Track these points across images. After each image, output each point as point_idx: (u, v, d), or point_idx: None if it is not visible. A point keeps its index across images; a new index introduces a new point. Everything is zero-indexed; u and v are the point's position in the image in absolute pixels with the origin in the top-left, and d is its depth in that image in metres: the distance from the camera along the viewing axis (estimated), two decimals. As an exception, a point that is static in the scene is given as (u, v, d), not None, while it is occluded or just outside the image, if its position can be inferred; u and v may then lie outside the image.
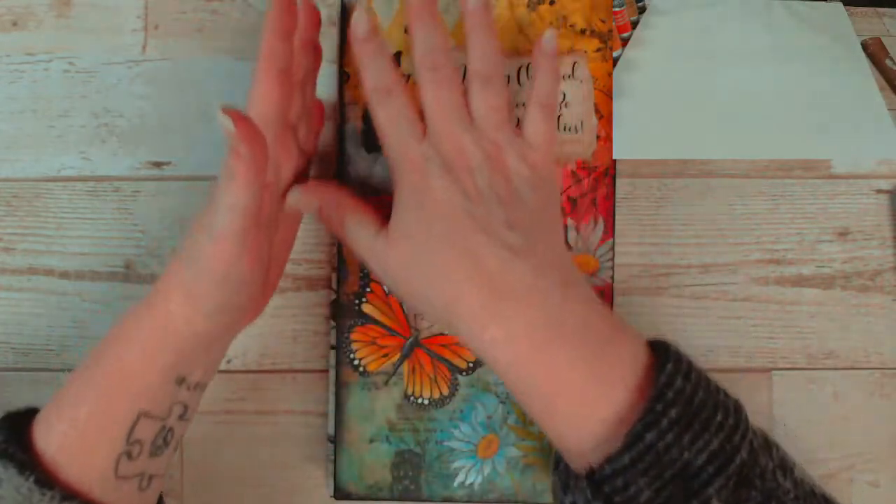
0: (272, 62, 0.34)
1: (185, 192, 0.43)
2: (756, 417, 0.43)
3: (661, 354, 0.33)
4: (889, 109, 0.42)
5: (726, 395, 0.33)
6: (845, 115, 0.42)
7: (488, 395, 0.41)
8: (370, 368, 0.41)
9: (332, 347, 0.41)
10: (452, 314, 0.34)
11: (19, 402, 0.43)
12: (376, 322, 0.41)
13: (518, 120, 0.40)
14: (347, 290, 0.41)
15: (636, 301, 0.43)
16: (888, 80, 0.43)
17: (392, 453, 0.41)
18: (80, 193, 0.43)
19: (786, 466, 0.33)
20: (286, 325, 0.43)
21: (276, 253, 0.37)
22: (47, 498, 0.31)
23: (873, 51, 0.44)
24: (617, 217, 0.41)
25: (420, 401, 0.41)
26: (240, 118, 0.31)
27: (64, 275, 0.43)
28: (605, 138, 0.41)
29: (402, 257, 0.34)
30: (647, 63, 0.42)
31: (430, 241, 0.34)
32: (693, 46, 0.43)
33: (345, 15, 0.41)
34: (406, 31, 0.39)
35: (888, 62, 0.43)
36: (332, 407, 0.41)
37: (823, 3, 0.44)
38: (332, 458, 0.41)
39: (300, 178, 0.37)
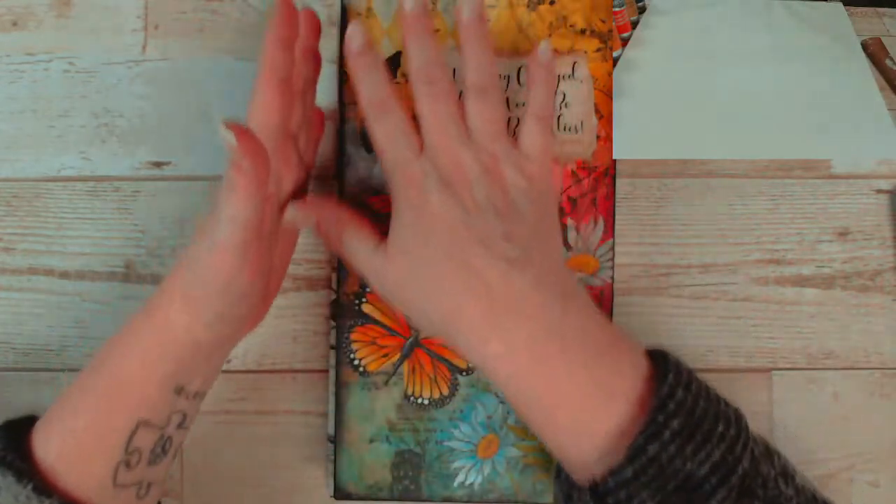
0: (274, 72, 0.34)
1: (185, 192, 0.43)
2: (756, 417, 0.43)
3: (661, 364, 0.33)
4: (889, 109, 0.42)
5: (726, 403, 0.33)
6: (845, 115, 0.42)
7: (488, 395, 0.41)
8: (370, 368, 0.41)
9: (332, 347, 0.41)
10: (451, 327, 0.34)
11: (19, 402, 0.43)
12: (376, 322, 0.41)
13: (518, 120, 0.40)
14: (347, 290, 0.41)
15: (636, 301, 0.43)
16: (888, 80, 0.43)
17: (392, 453, 0.41)
18: (80, 193, 0.43)
19: (787, 474, 0.33)
20: (286, 325, 0.43)
21: (277, 263, 0.37)
22: None
23: (873, 51, 0.44)
24: (617, 217, 0.41)
25: (420, 401, 0.41)
26: (242, 132, 0.31)
27: (64, 275, 0.43)
28: (605, 138, 0.41)
29: (401, 272, 0.34)
30: (647, 63, 0.42)
31: (429, 254, 0.33)
32: (693, 46, 0.43)
33: (345, 15, 0.41)
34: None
35: (888, 62, 0.43)
36: (332, 407, 0.41)
37: (823, 3, 0.44)
38: (332, 458, 0.41)
39: (300, 187, 0.37)
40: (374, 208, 0.40)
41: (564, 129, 0.41)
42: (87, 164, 0.43)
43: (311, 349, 0.43)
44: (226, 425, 0.43)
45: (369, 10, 0.40)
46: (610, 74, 0.41)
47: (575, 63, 0.41)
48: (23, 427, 0.34)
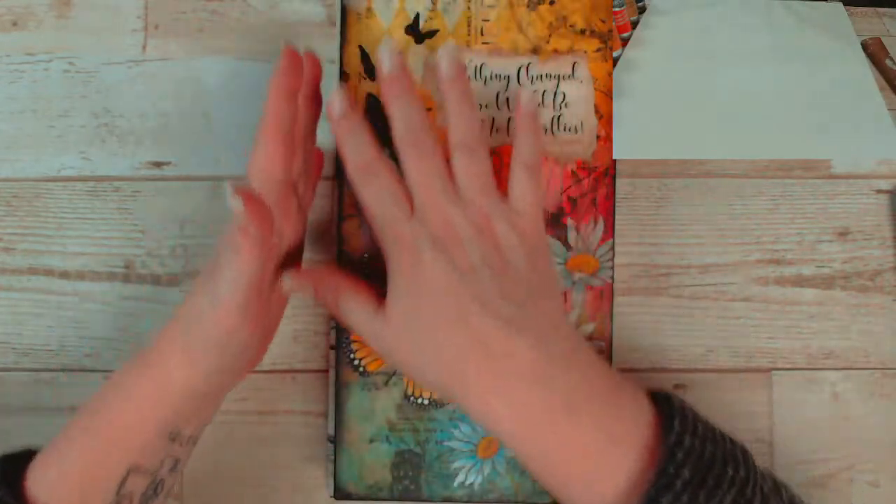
0: (278, 125, 0.34)
1: (185, 192, 0.43)
2: (756, 417, 0.43)
3: (665, 408, 0.33)
4: (889, 109, 0.42)
5: (731, 441, 0.33)
6: (845, 115, 0.42)
7: (488, 395, 0.41)
8: (370, 368, 0.41)
9: (332, 347, 0.41)
10: (453, 389, 0.33)
11: (19, 402, 0.43)
12: (376, 322, 0.41)
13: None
14: (347, 290, 0.41)
15: (636, 301, 0.43)
16: (888, 80, 0.43)
17: (392, 453, 0.41)
18: (80, 193, 0.43)
19: None
20: (286, 325, 0.43)
21: (274, 310, 0.37)
22: None
23: (873, 51, 0.44)
24: (617, 217, 0.41)
25: (420, 401, 0.41)
26: (250, 198, 0.32)
27: (64, 275, 0.43)
28: (605, 138, 0.41)
29: (400, 335, 0.34)
30: (647, 63, 0.42)
31: (426, 317, 0.33)
32: (693, 46, 0.43)
33: (345, 15, 0.41)
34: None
35: (888, 62, 0.43)
36: (332, 407, 0.41)
37: (823, 3, 0.44)
38: (332, 458, 0.41)
39: (300, 236, 0.37)
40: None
41: (564, 129, 0.41)
42: (87, 164, 0.43)
43: (311, 349, 0.43)
44: (226, 425, 0.43)
45: (369, 10, 0.40)
46: (610, 74, 0.41)
47: (575, 63, 0.41)
48: (20, 462, 0.34)
